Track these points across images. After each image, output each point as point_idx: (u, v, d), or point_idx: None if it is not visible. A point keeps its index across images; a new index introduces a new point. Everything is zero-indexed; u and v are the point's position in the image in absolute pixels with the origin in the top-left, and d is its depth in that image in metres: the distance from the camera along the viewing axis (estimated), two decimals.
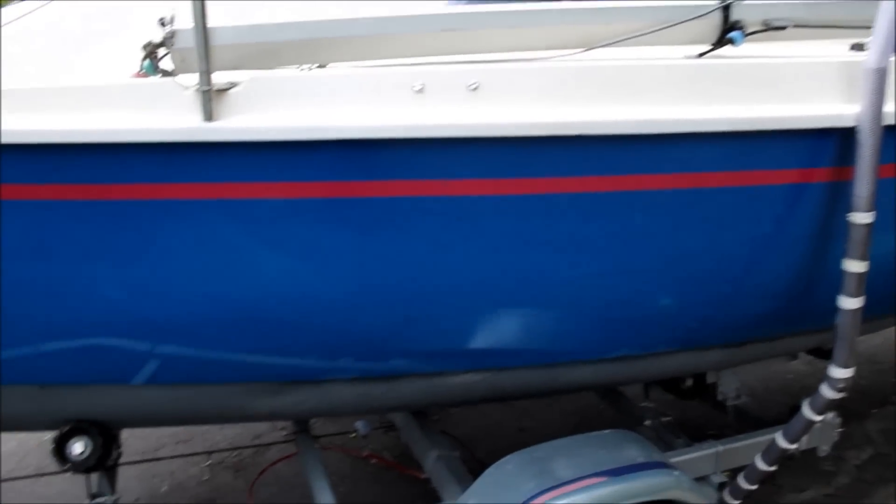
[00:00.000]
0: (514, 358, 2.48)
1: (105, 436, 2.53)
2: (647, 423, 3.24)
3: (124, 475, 3.90)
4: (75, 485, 3.73)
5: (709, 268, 2.46)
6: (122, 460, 4.04)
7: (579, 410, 4.51)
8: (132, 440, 4.28)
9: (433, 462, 3.00)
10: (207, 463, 4.06)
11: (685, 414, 3.71)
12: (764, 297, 2.60)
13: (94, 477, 2.69)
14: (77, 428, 2.47)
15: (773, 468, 2.71)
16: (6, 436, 4.31)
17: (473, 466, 3.12)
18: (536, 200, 2.21)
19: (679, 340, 2.71)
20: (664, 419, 3.27)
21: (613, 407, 3.60)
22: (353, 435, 3.43)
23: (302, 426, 3.22)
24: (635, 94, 2.16)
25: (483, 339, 2.41)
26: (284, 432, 4.30)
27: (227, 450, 4.15)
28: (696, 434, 3.11)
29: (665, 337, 2.67)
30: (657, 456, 2.56)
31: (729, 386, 3.30)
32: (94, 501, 2.72)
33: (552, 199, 2.22)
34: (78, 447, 2.50)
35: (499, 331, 2.42)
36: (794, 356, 3.44)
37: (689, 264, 2.45)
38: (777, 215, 2.41)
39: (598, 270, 2.39)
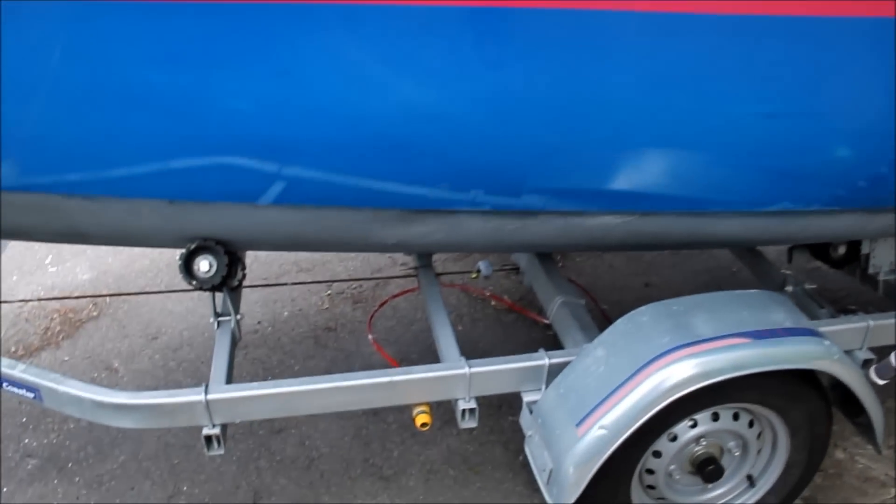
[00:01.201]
0: (659, 202, 2.25)
1: (230, 256, 2.52)
2: (789, 289, 2.98)
3: (248, 299, 4.03)
4: (202, 304, 3.90)
5: None
6: (245, 283, 4.20)
7: (709, 270, 4.27)
8: (256, 266, 4.39)
9: (557, 308, 2.89)
10: (327, 292, 4.12)
11: (824, 285, 3.43)
12: None
13: (219, 297, 2.72)
14: (203, 246, 2.45)
15: None
16: (139, 254, 4.50)
17: (597, 317, 3.00)
18: (699, 21, 1.92)
19: (847, 200, 2.40)
20: (808, 286, 3.00)
21: (750, 269, 3.34)
22: (475, 275, 3.34)
23: (424, 261, 3.15)
24: None
25: (627, 178, 2.19)
26: (405, 267, 4.29)
27: (348, 281, 4.19)
28: (836, 308, 2.85)
29: (833, 194, 2.37)
30: (806, 322, 2.34)
31: (883, 258, 2.97)
32: (218, 319, 2.76)
33: (717, 21, 1.92)
34: (204, 265, 2.50)
35: (645, 171, 2.19)
36: None
37: (878, 110, 2.11)
38: None
39: (765, 108, 2.09)
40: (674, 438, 2.31)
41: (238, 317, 2.80)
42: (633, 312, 2.30)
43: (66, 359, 3.62)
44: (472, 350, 3.62)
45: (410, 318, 3.90)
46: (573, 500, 2.19)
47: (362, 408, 2.90)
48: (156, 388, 3.38)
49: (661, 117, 2.05)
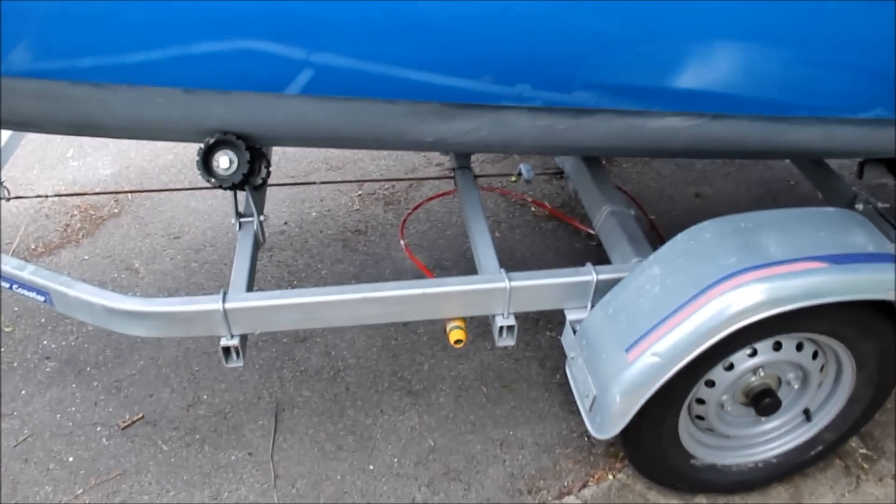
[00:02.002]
0: (733, 104, 1.96)
1: (253, 152, 2.31)
2: (859, 207, 2.70)
3: (274, 197, 3.84)
4: (227, 202, 3.72)
5: None
6: (271, 182, 4.00)
7: (765, 182, 3.98)
8: (284, 162, 4.18)
9: (604, 218, 2.65)
10: (358, 193, 3.91)
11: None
12: None
13: (242, 196, 2.53)
14: (223, 141, 2.25)
15: None
16: (163, 148, 4.31)
17: (646, 229, 2.76)
18: None
19: None
20: (881, 206, 2.72)
21: (814, 183, 3.04)
22: (514, 178, 3.09)
23: (463, 162, 2.91)
24: None
25: (699, 75, 1.90)
26: (441, 168, 4.05)
27: (380, 181, 3.97)
28: None
29: None
30: (891, 247, 2.07)
31: None
32: (240, 220, 2.57)
33: None
34: (224, 161, 2.30)
35: (720, 67, 1.90)
36: None
37: None
38: None
39: None
40: (730, 367, 2.10)
41: (262, 218, 2.61)
42: (694, 228, 2.06)
43: (86, 258, 3.48)
44: (509, 259, 3.44)
45: (445, 222, 3.68)
46: (618, 430, 2.01)
47: (392, 321, 2.73)
48: (176, 291, 3.26)
49: (736, 10, 1.75)
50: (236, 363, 2.22)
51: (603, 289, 2.18)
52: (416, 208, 3.46)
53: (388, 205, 3.82)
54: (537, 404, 2.73)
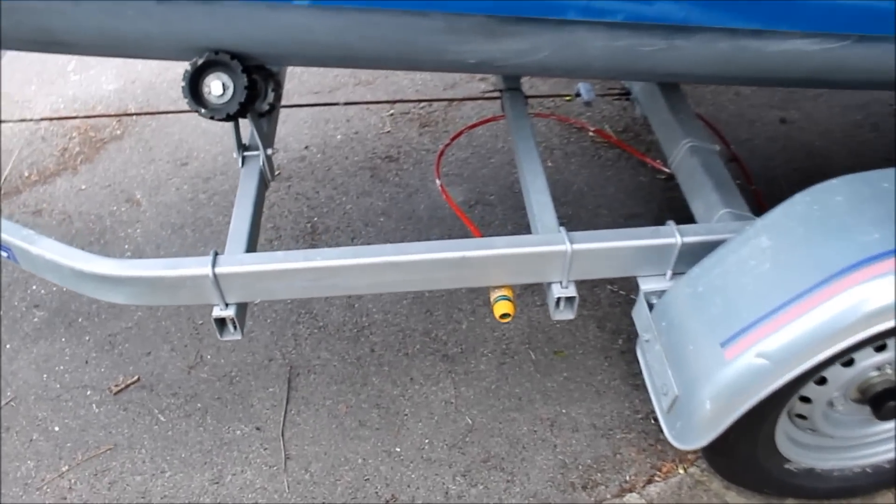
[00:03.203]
0: (886, 21, 1.45)
1: (253, 73, 1.88)
2: None
3: (294, 117, 3.39)
4: (241, 123, 3.27)
5: None
6: (293, 101, 3.54)
7: (863, 106, 3.37)
8: (306, 76, 3.69)
9: (683, 154, 2.17)
10: (389, 113, 3.43)
11: None
12: None
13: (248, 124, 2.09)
14: (214, 62, 1.82)
15: None
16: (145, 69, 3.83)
17: (731, 167, 2.27)
18: None
19: None
20: None
21: None
22: (570, 97, 2.59)
23: (511, 83, 2.41)
24: None
25: None
26: (484, 85, 3.54)
27: (415, 101, 3.47)
28: None
29: None
30: None
31: None
32: (244, 153, 2.15)
33: None
34: (215, 87, 1.87)
35: None
36: None
37: None
38: None
39: None
40: (849, 363, 1.64)
41: (269, 152, 2.19)
42: (819, 187, 1.56)
43: (83, 187, 3.09)
44: (563, 194, 2.97)
45: (490, 147, 3.20)
46: (705, 443, 1.59)
47: (423, 289, 2.30)
48: (181, 227, 2.87)
49: None
50: (233, 336, 1.84)
51: (689, 255, 1.72)
52: (454, 138, 2.98)
53: (423, 127, 3.34)
54: (595, 376, 2.31)
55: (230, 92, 1.89)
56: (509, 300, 1.81)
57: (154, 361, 2.41)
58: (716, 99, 3.41)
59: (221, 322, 1.81)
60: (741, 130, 3.19)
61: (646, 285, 1.80)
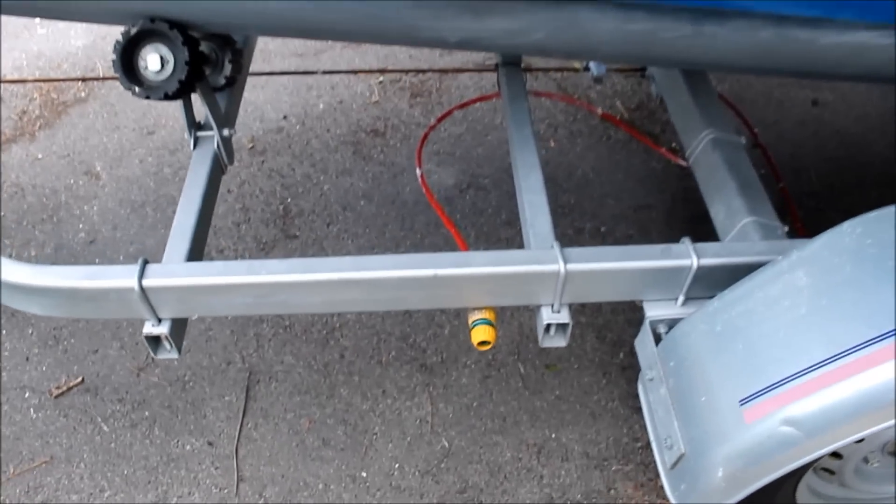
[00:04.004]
0: None
1: (196, 44, 1.60)
2: None
3: (272, 85, 3.09)
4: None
5: None
6: (273, 63, 3.23)
7: None
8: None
9: (703, 147, 1.89)
10: (379, 80, 3.13)
11: None
12: None
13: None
14: (150, 31, 1.55)
15: None
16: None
17: (758, 160, 1.98)
18: None
19: None
20: None
21: None
22: (579, 68, 2.29)
23: (510, 56, 2.11)
24: None
25: None
26: (484, 56, 3.21)
27: (403, 71, 3.16)
28: None
29: None
30: None
31: None
32: (197, 133, 1.88)
33: None
34: (152, 60, 1.59)
35: None
36: None
37: None
38: None
39: None
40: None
41: (227, 132, 1.91)
42: (873, 216, 1.26)
43: (40, 156, 2.81)
44: (566, 178, 2.68)
45: (486, 123, 2.90)
46: None
47: (389, 310, 2.04)
48: (142, 205, 2.60)
49: None
50: (169, 354, 1.58)
51: (705, 277, 1.45)
52: (441, 119, 2.68)
53: (414, 97, 3.04)
54: (590, 396, 2.06)
55: (170, 67, 1.61)
56: (490, 325, 1.55)
57: (101, 361, 2.17)
58: (741, 77, 3.08)
59: (155, 339, 1.55)
60: (768, 112, 2.87)
61: (652, 311, 1.53)
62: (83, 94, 3.09)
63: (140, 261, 1.46)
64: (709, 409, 1.29)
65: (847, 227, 1.24)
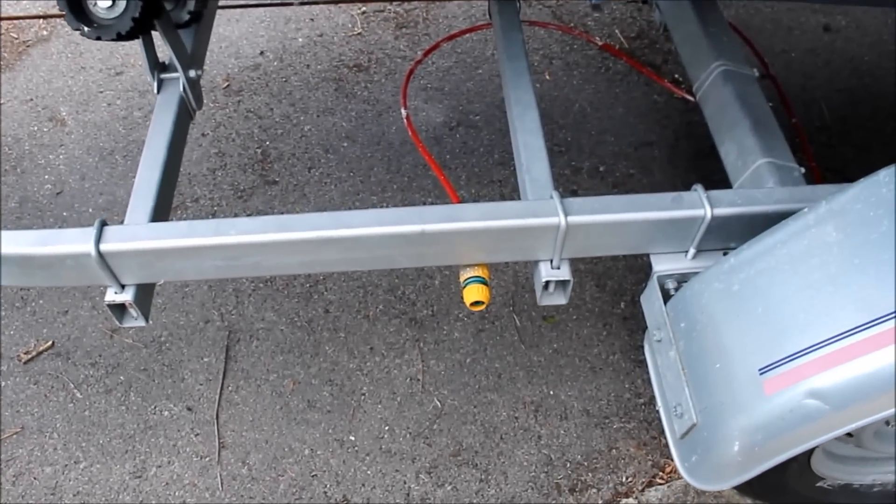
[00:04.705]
0: None
1: None
2: None
3: (248, 18, 2.88)
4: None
5: None
6: (235, 2, 3.02)
7: None
8: None
9: (713, 80, 1.74)
10: (361, 10, 2.92)
11: None
12: None
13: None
14: None
15: None
16: None
17: (770, 91, 1.82)
18: None
19: None
20: None
21: None
22: None
23: None
24: None
25: None
26: None
27: (388, 0, 2.96)
28: None
29: None
30: None
31: None
32: (160, 76, 1.72)
33: None
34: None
35: None
36: None
37: None
38: None
39: None
40: None
41: (194, 73, 1.75)
42: None
43: (1, 102, 2.63)
44: (563, 115, 2.52)
45: (477, 55, 2.72)
46: (727, 486, 1.24)
47: (372, 269, 1.91)
48: (111, 153, 2.44)
49: None
50: (136, 322, 1.46)
51: (718, 228, 1.32)
52: (428, 53, 2.49)
53: (399, 28, 2.84)
54: (590, 349, 1.95)
55: (122, 2, 1.44)
56: (484, 283, 1.42)
57: (72, 322, 2.04)
58: (749, 0, 2.89)
59: (120, 307, 1.42)
60: (776, 40, 2.69)
61: (660, 265, 1.40)
62: (45, 33, 2.89)
63: (97, 222, 1.32)
64: (724, 378, 1.18)
65: (884, 175, 1.10)
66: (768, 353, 1.11)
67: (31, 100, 2.63)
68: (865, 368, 1.02)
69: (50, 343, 2.00)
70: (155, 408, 1.88)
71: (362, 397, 1.87)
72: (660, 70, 2.61)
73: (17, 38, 2.87)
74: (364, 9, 2.93)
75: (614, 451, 1.78)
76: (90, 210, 2.28)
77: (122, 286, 1.39)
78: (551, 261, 1.40)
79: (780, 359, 1.10)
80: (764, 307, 1.15)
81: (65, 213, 2.28)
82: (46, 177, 2.38)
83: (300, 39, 2.81)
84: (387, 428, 1.82)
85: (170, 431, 1.84)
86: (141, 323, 1.45)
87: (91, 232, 1.31)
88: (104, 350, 1.99)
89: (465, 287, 1.43)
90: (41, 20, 2.94)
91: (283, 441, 1.81)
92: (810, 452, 1.41)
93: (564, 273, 1.40)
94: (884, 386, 1.01)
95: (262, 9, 2.90)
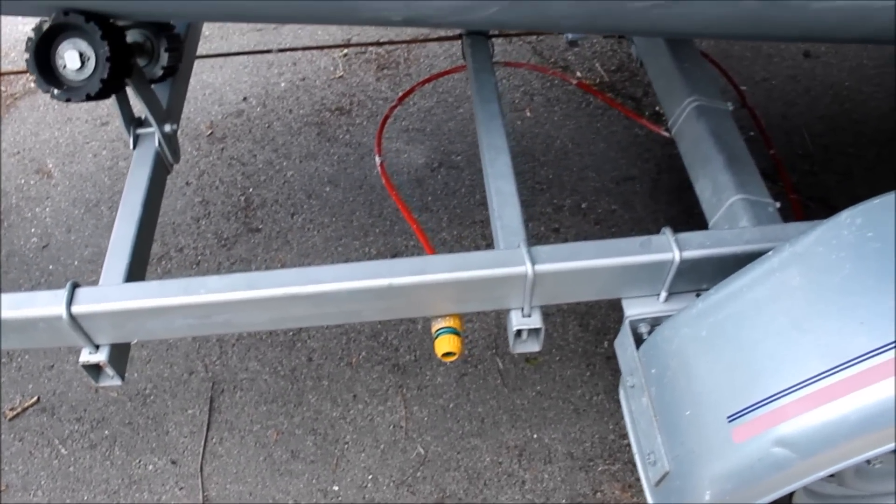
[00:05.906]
0: None
1: (118, 36, 1.45)
2: None
3: (231, 64, 2.91)
4: None
5: None
6: (230, 38, 3.05)
7: None
8: None
9: (688, 115, 1.74)
10: (343, 53, 2.95)
11: None
12: None
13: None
14: (64, 25, 1.40)
15: None
16: None
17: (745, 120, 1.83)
18: None
19: None
20: None
21: None
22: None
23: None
24: None
25: None
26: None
27: (369, 43, 2.98)
28: None
29: None
30: None
31: None
32: (136, 131, 1.73)
33: None
34: (70, 58, 1.44)
35: None
36: None
37: None
38: None
39: None
40: None
41: (169, 128, 1.76)
42: (876, 203, 1.09)
43: None
44: (544, 152, 2.52)
45: (459, 95, 2.74)
46: None
47: (343, 323, 1.91)
48: (97, 204, 2.45)
49: None
50: (112, 381, 1.45)
51: (689, 270, 1.32)
52: (404, 97, 2.49)
53: (381, 70, 2.87)
54: (573, 390, 1.94)
55: (91, 64, 1.46)
56: (455, 334, 1.42)
57: (57, 377, 2.04)
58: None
59: (95, 367, 1.42)
60: (756, 67, 2.70)
61: (632, 309, 1.40)
62: (33, 86, 2.92)
63: (68, 285, 1.33)
64: (694, 425, 1.17)
65: (846, 217, 1.10)
66: (736, 400, 1.11)
67: (19, 152, 2.65)
68: (830, 415, 1.01)
69: (35, 399, 2.00)
70: (139, 462, 1.87)
71: (346, 446, 1.86)
72: (640, 103, 2.62)
73: (5, 91, 2.90)
74: (346, 52, 2.96)
75: (599, 494, 1.76)
76: (76, 263, 2.29)
77: (97, 346, 1.39)
78: (522, 309, 1.40)
79: (747, 406, 1.09)
80: (731, 353, 1.14)
81: (51, 267, 2.29)
82: (33, 230, 2.40)
83: (283, 84, 2.84)
84: (370, 477, 1.81)
85: (154, 486, 1.83)
86: (117, 382, 1.45)
87: (62, 294, 1.32)
88: (89, 404, 1.98)
89: (436, 338, 1.43)
90: (29, 73, 2.97)
91: (266, 493, 1.80)
92: (790, 494, 1.40)
93: (535, 321, 1.39)
94: (849, 433, 1.00)
95: (245, 55, 2.93)
